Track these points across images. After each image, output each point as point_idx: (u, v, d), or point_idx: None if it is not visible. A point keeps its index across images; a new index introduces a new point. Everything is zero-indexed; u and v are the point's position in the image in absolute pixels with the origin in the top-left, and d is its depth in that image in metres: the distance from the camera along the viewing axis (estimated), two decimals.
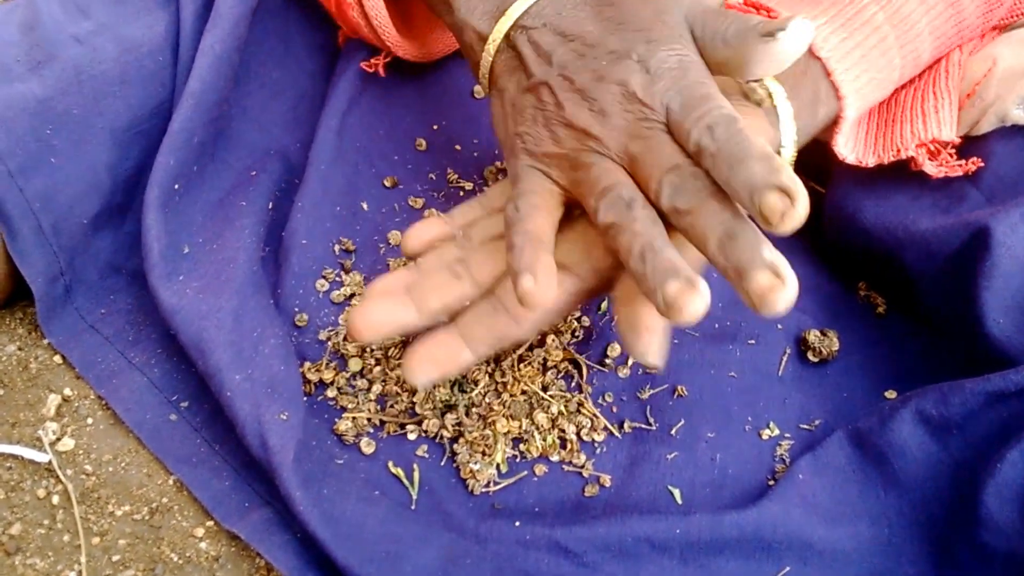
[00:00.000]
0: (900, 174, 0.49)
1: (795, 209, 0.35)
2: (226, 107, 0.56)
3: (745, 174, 0.36)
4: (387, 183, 0.60)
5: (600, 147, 0.41)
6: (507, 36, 0.44)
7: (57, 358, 0.52)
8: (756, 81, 0.43)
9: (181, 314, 0.49)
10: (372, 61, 0.59)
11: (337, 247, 0.56)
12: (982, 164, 0.47)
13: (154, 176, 0.52)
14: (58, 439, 0.48)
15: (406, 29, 0.57)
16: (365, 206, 0.58)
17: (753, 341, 0.53)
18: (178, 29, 0.54)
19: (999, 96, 0.47)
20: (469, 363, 0.43)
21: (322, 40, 0.61)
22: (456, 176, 0.61)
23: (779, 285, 0.35)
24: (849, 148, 0.48)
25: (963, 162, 0.47)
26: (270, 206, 0.56)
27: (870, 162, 0.48)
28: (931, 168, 0.47)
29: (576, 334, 0.53)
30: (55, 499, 0.46)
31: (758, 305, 0.35)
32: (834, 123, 0.46)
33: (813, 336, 0.52)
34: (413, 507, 0.47)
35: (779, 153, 0.44)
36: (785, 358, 0.52)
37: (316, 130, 0.58)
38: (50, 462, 0.47)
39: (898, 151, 0.47)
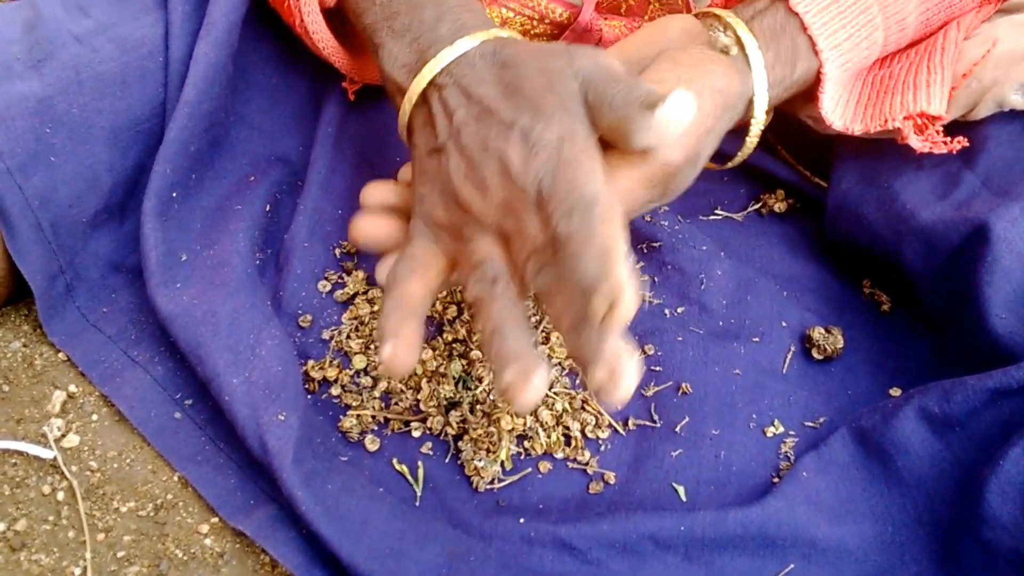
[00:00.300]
0: (899, 164, 0.49)
1: (615, 313, 0.35)
2: (223, 115, 0.56)
3: (581, 270, 0.36)
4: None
5: (477, 222, 0.41)
6: (423, 93, 0.44)
7: (62, 355, 0.52)
8: (724, 30, 0.44)
9: (178, 320, 0.49)
10: (344, 85, 0.59)
11: (338, 250, 0.56)
12: (967, 144, 0.47)
13: (151, 186, 0.52)
14: (63, 435, 0.49)
15: (361, 51, 0.57)
16: None
17: (758, 339, 0.53)
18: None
19: (997, 80, 0.47)
20: None
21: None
22: None
23: (612, 383, 0.36)
24: (837, 115, 0.48)
25: (948, 140, 0.47)
26: (267, 208, 0.56)
27: (856, 130, 0.48)
28: (916, 142, 0.47)
29: None
30: (60, 495, 0.47)
31: (595, 395, 0.36)
32: (817, 82, 0.47)
33: (818, 334, 0.52)
34: (417, 504, 0.47)
35: (751, 103, 0.45)
36: (790, 356, 0.52)
37: (315, 134, 0.58)
38: (55, 458, 0.48)
39: (885, 121, 0.48)
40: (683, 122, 0.38)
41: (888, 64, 0.51)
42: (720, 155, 0.52)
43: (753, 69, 0.44)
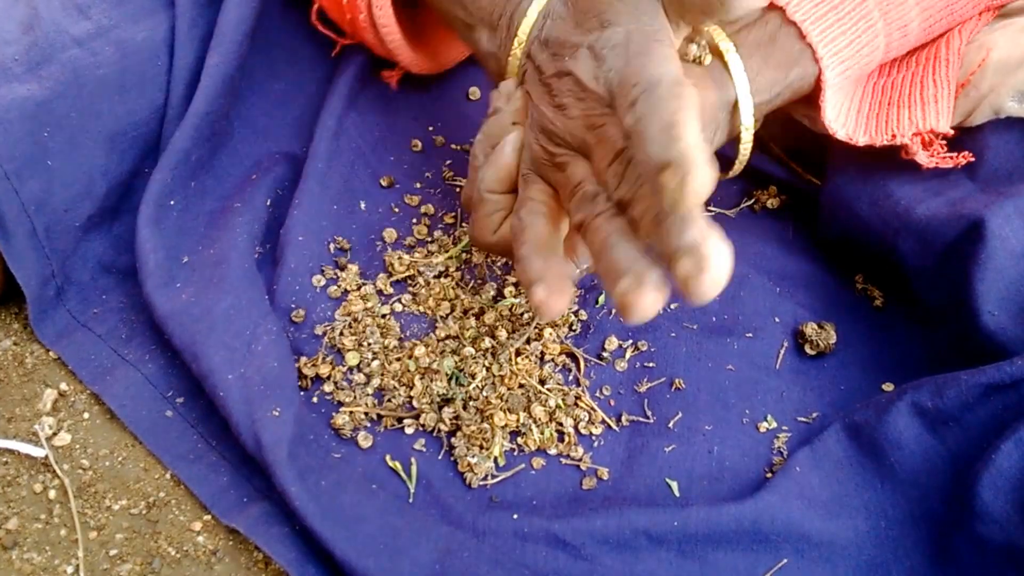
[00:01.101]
0: (894, 162, 0.49)
1: (687, 184, 0.33)
2: (226, 122, 0.57)
3: (647, 152, 0.35)
4: (383, 183, 0.60)
5: (566, 144, 0.41)
6: (520, 57, 0.46)
7: (53, 353, 0.52)
8: (697, 40, 0.44)
9: (174, 319, 0.49)
10: (385, 74, 0.60)
11: (332, 245, 0.57)
12: (973, 159, 0.48)
13: (148, 192, 0.53)
14: (54, 434, 0.49)
15: (418, 43, 0.58)
16: (363, 205, 0.59)
17: (750, 334, 0.53)
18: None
19: (993, 87, 0.48)
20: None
21: (326, 48, 0.62)
22: (452, 174, 0.61)
23: (700, 271, 0.33)
24: (840, 123, 0.48)
25: (955, 155, 0.48)
26: (268, 203, 0.56)
27: (861, 141, 0.49)
28: (923, 158, 0.47)
29: (573, 328, 0.54)
30: (52, 493, 0.47)
31: (685, 294, 0.34)
32: (818, 89, 0.47)
33: (810, 329, 0.52)
34: (411, 500, 0.47)
35: (735, 108, 0.45)
36: (782, 351, 0.53)
37: (314, 131, 0.59)
38: (47, 457, 0.48)
39: (893, 136, 0.48)
40: None
41: (890, 72, 0.51)
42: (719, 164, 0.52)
43: (733, 73, 0.44)
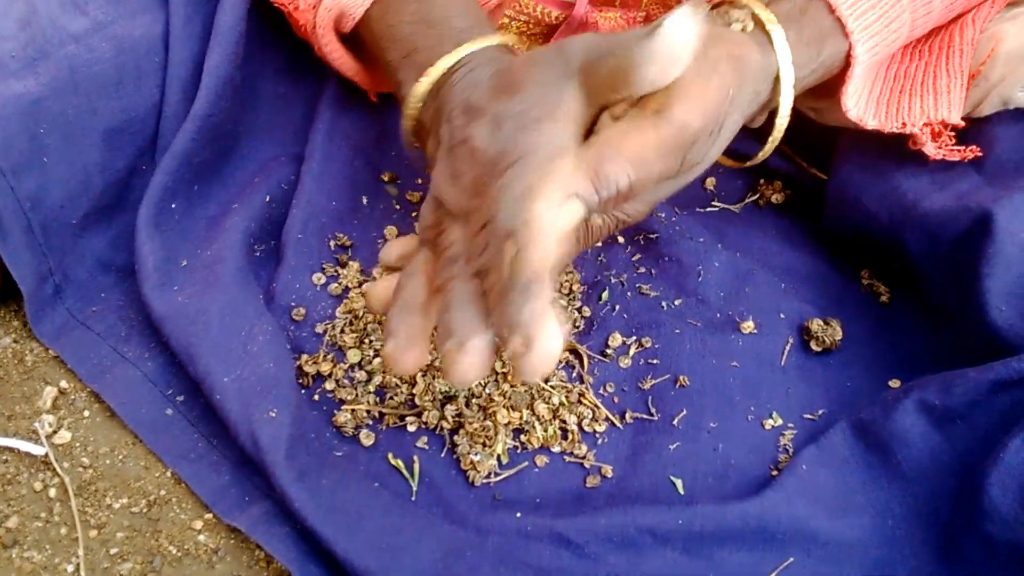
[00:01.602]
0: (901, 155, 0.49)
1: (526, 253, 0.35)
2: (231, 126, 0.57)
3: (497, 218, 0.36)
4: (385, 178, 0.60)
5: (452, 211, 0.41)
6: (424, 105, 0.46)
7: (53, 351, 0.52)
8: (739, 8, 0.43)
9: (171, 320, 0.49)
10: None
11: (333, 242, 0.56)
12: (980, 153, 0.47)
13: (150, 194, 0.53)
14: (55, 432, 0.49)
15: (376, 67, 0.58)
16: (364, 200, 0.59)
17: (756, 331, 0.53)
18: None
19: (1003, 77, 0.47)
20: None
21: None
22: None
23: (526, 349, 0.34)
24: (853, 102, 0.47)
25: (963, 148, 0.47)
26: (267, 199, 0.56)
27: (870, 124, 0.48)
28: (931, 149, 0.47)
29: (577, 324, 0.54)
30: (52, 492, 0.47)
31: (513, 370, 0.35)
32: (846, 67, 0.46)
33: (816, 325, 0.52)
34: (413, 499, 0.47)
35: (776, 85, 0.44)
36: (788, 347, 0.53)
37: (311, 129, 0.59)
38: (47, 455, 0.48)
39: (904, 124, 0.47)
40: (688, 41, 0.35)
41: (902, 60, 0.50)
42: (738, 155, 0.52)
43: (775, 42, 0.42)
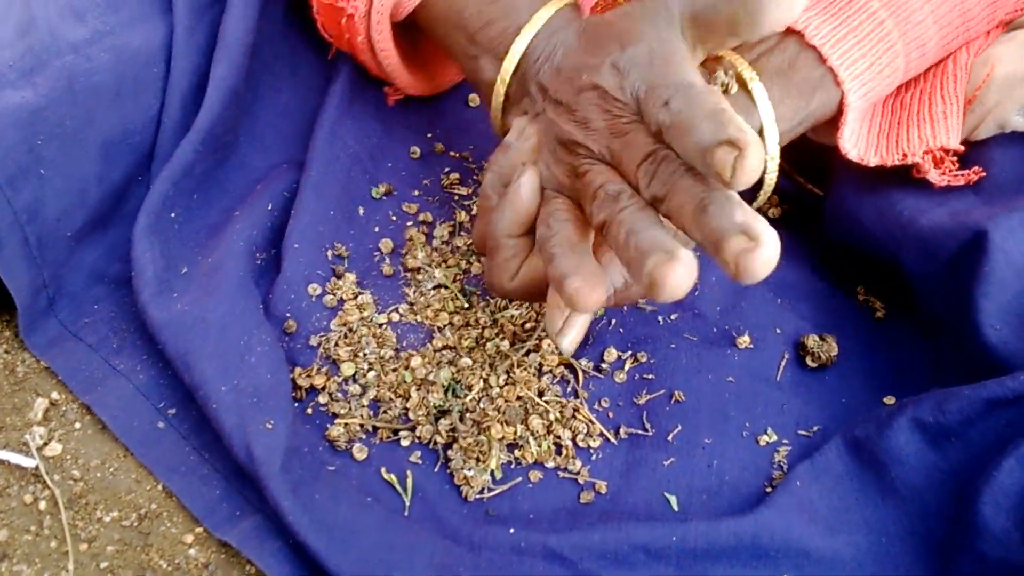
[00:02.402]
0: (898, 173, 0.50)
1: (744, 159, 0.35)
2: (232, 136, 0.57)
3: (695, 138, 0.36)
4: (381, 190, 0.60)
5: (589, 153, 0.43)
6: (511, 79, 0.48)
7: (44, 362, 0.52)
8: (723, 68, 0.45)
9: (168, 328, 0.49)
10: (386, 90, 0.61)
11: (330, 252, 0.57)
12: (984, 174, 0.48)
13: (149, 203, 0.53)
14: (45, 444, 0.49)
15: (415, 65, 0.59)
16: (361, 211, 0.59)
17: (751, 346, 0.53)
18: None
19: (998, 102, 0.48)
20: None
21: (327, 55, 0.62)
22: (450, 182, 0.61)
23: (752, 247, 0.34)
24: (852, 143, 0.49)
25: (966, 171, 0.48)
26: (269, 207, 0.57)
27: (872, 161, 0.49)
28: (935, 176, 0.48)
29: None
30: (42, 505, 0.47)
31: (737, 274, 0.35)
32: (839, 113, 0.47)
33: (812, 341, 0.53)
34: (406, 514, 0.47)
35: (760, 137, 0.45)
36: (783, 363, 0.53)
37: (311, 137, 0.59)
38: (37, 467, 0.48)
39: (904, 156, 0.48)
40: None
41: (899, 92, 0.51)
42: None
43: (758, 103, 0.44)
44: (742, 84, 0.44)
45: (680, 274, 0.36)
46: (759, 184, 0.47)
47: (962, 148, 0.48)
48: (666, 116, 0.38)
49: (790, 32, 0.46)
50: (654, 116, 0.39)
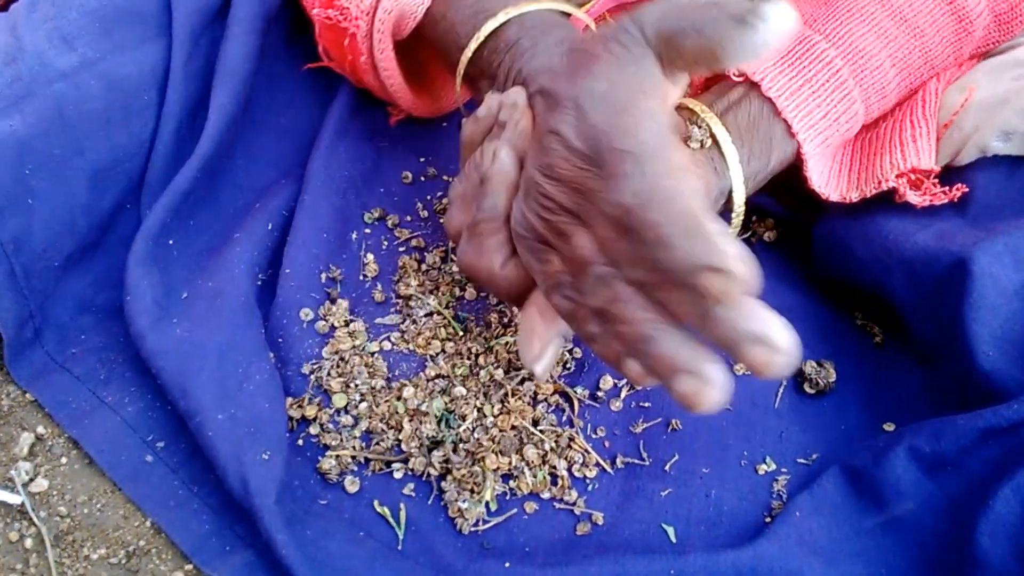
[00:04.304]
0: (884, 198, 0.51)
1: (735, 281, 0.35)
2: (228, 159, 0.58)
3: (674, 255, 0.36)
4: (375, 214, 0.61)
5: (562, 209, 0.41)
6: (474, 57, 0.50)
7: (30, 395, 0.53)
8: (696, 124, 0.45)
9: (166, 354, 0.50)
10: (390, 110, 0.62)
11: (324, 275, 0.58)
12: (966, 190, 0.49)
13: (145, 230, 0.54)
14: (31, 479, 0.49)
15: (419, 86, 0.60)
16: (354, 235, 0.60)
17: (749, 372, 0.54)
18: (165, 66, 0.56)
19: (978, 127, 0.49)
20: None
21: (327, 79, 0.63)
22: (442, 206, 0.62)
23: (774, 355, 0.35)
24: (831, 187, 0.51)
25: (947, 189, 0.49)
26: (270, 227, 0.58)
27: (853, 197, 0.51)
28: (914, 198, 0.49)
29: (567, 366, 0.55)
30: (28, 542, 0.47)
31: (758, 375, 0.36)
32: (801, 162, 0.49)
33: (810, 367, 0.54)
34: (400, 548, 0.48)
35: (729, 198, 0.46)
36: (781, 390, 0.54)
37: (309, 158, 0.60)
38: (23, 504, 0.48)
39: (879, 183, 0.50)
40: (785, 32, 0.36)
41: (871, 128, 0.53)
42: None
43: (729, 165, 0.45)
44: (716, 144, 0.45)
45: (716, 398, 0.37)
46: (728, 220, 0.48)
47: (937, 168, 0.50)
48: (630, 198, 0.37)
49: (750, 84, 0.47)
50: (613, 186, 0.38)
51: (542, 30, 0.49)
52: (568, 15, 0.52)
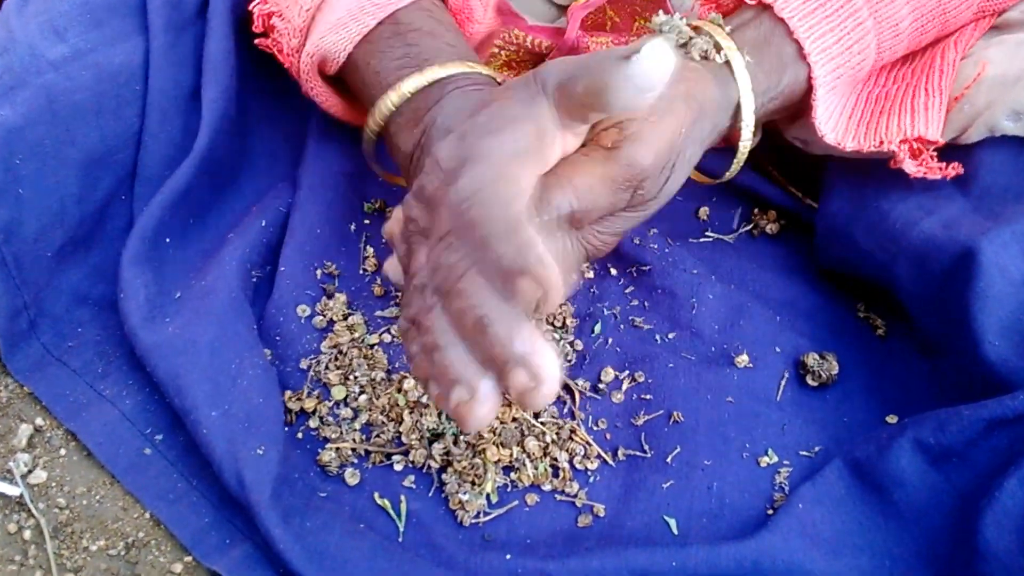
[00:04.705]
0: (887, 183, 0.51)
1: (549, 300, 0.35)
2: (227, 160, 0.58)
3: (492, 253, 0.36)
4: (375, 204, 0.61)
5: (417, 228, 0.41)
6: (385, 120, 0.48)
7: (28, 387, 0.53)
8: (702, 35, 0.45)
9: (158, 351, 0.50)
10: None
11: (320, 271, 0.58)
12: (962, 171, 0.49)
13: (141, 229, 0.54)
14: (30, 471, 0.49)
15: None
16: (352, 227, 0.60)
17: (751, 365, 0.54)
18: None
19: (989, 104, 0.49)
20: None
21: None
22: None
23: (534, 388, 0.36)
24: (830, 127, 0.49)
25: (943, 165, 0.49)
26: (263, 223, 0.57)
27: (848, 146, 0.50)
28: (911, 167, 0.49)
29: (569, 358, 0.55)
30: (27, 534, 0.47)
31: (516, 402, 0.36)
32: (810, 90, 0.48)
33: (812, 359, 0.53)
34: (400, 540, 0.48)
35: (737, 112, 0.46)
36: (783, 382, 0.54)
37: (303, 155, 0.60)
38: (21, 495, 0.48)
39: (880, 143, 0.49)
40: (665, 70, 0.36)
41: (884, 82, 0.52)
42: (710, 173, 0.55)
43: (736, 72, 0.45)
44: (719, 52, 0.45)
45: (481, 414, 0.38)
46: (732, 154, 0.49)
47: (941, 141, 0.49)
48: (454, 197, 0.37)
49: (764, 7, 0.47)
50: (451, 198, 0.38)
51: (465, 93, 0.47)
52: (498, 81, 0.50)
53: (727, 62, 0.45)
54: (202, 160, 0.55)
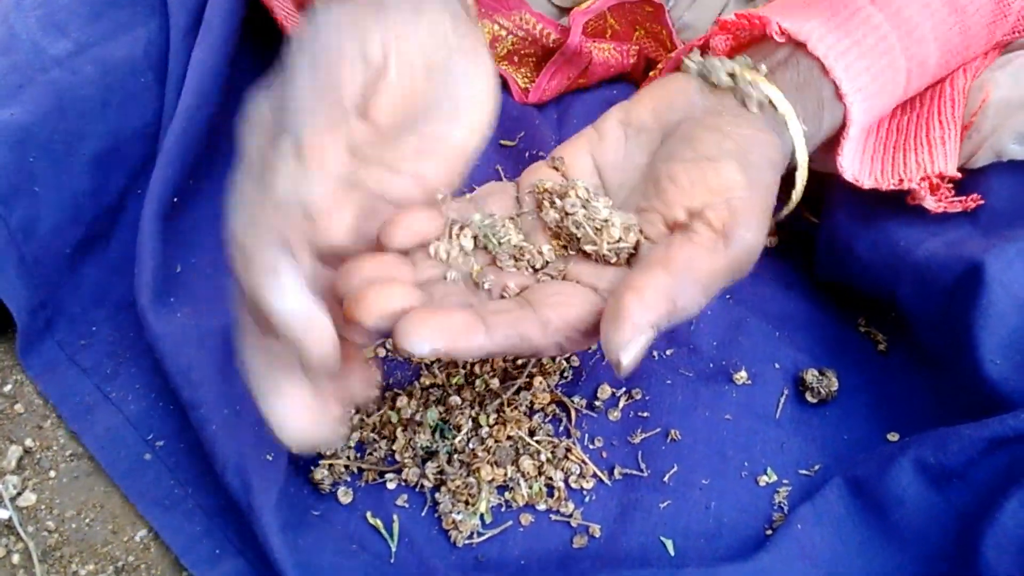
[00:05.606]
0: (893, 202, 0.50)
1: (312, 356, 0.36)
2: (226, 124, 0.58)
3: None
4: None
5: None
6: None
7: (19, 406, 0.53)
8: (752, 85, 0.44)
9: (168, 340, 0.50)
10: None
11: None
12: (982, 202, 0.48)
13: (152, 190, 0.54)
14: (19, 494, 0.49)
15: None
16: None
17: (749, 382, 0.54)
18: (159, 47, 0.56)
19: (995, 129, 0.48)
20: (481, 349, 0.37)
21: None
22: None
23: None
24: (849, 161, 0.48)
25: (963, 199, 0.48)
26: None
27: (866, 184, 0.49)
28: (931, 203, 0.48)
29: (564, 375, 0.55)
30: (15, 558, 0.47)
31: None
32: (842, 128, 0.47)
33: (811, 376, 0.53)
34: (392, 561, 0.48)
35: (792, 159, 0.44)
36: (783, 399, 0.53)
37: None
38: (10, 518, 0.48)
39: (900, 181, 0.48)
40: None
41: (894, 114, 0.51)
42: None
43: (790, 125, 0.43)
44: (772, 105, 0.44)
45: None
46: (789, 191, 0.46)
47: (959, 175, 0.49)
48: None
49: (796, 44, 0.45)
50: None
51: None
52: None
53: (780, 115, 0.43)
54: (190, 117, 0.55)
